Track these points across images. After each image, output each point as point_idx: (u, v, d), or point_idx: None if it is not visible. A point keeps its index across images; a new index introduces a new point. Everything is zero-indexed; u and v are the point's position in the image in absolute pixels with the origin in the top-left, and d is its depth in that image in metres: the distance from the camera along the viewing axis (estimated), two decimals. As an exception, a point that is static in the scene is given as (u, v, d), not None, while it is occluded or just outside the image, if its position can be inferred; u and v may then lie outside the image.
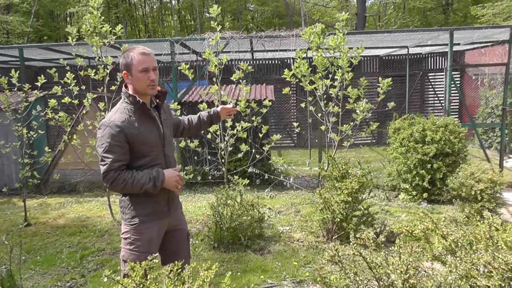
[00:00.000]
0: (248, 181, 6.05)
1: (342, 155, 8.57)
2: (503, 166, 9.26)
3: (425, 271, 3.08)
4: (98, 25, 6.40)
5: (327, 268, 2.63)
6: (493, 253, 3.19)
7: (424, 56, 14.85)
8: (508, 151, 11.91)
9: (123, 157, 2.83)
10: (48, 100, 6.95)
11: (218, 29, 5.94)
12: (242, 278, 4.64)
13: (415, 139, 7.66)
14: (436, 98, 14.94)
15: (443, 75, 14.18)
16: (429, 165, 7.43)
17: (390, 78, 6.34)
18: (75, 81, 6.87)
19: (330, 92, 6.17)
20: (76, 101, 7.01)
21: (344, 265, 2.69)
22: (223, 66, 6.06)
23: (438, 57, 14.81)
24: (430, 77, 14.95)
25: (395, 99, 14.28)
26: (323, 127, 6.28)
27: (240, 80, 6.03)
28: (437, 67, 14.84)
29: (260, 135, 6.49)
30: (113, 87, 7.02)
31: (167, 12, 33.24)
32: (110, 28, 6.64)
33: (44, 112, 7.08)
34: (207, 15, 33.18)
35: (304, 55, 6.38)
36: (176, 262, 2.30)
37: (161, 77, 12.74)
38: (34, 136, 7.36)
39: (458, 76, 14.39)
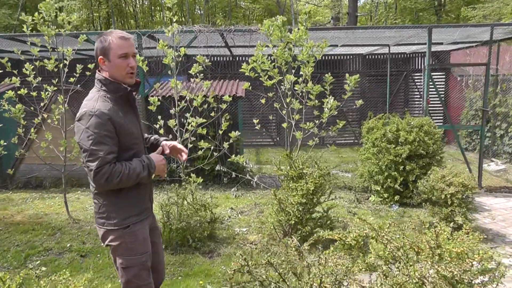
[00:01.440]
0: (202, 179, 5.77)
1: (319, 154, 8.33)
2: (482, 169, 8.98)
3: (358, 283, 2.81)
4: (52, 13, 6.09)
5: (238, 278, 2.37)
6: (432, 264, 2.93)
7: (408, 56, 14.59)
8: (491, 154, 11.65)
9: (114, 149, 2.55)
10: (6, 92, 6.67)
11: (174, 20, 5.67)
12: (180, 283, 4.36)
13: (388, 139, 7.38)
14: (421, 99, 14.69)
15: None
16: (401, 167, 7.15)
17: (358, 75, 6.03)
18: (34, 72, 6.58)
19: (295, 88, 5.89)
20: (34, 93, 6.74)
21: (255, 275, 2.41)
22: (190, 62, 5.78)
23: (423, 57, 14.56)
24: (415, 78, 14.69)
25: (378, 98, 14.04)
26: (284, 125, 5.99)
27: (198, 74, 5.75)
28: (422, 67, 14.59)
29: (220, 132, 6.21)
30: (71, 79, 6.75)
31: (157, 8, 32.94)
32: (67, 17, 6.35)
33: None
34: (198, 12, 32.93)
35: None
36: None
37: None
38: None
39: (443, 77, 14.14)
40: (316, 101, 5.70)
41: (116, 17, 30.52)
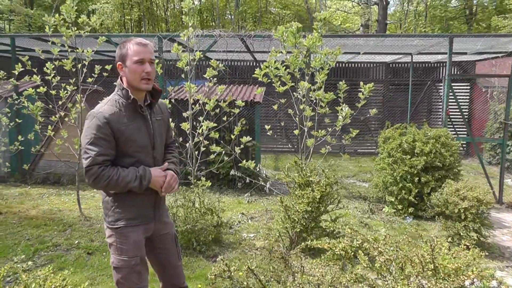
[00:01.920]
0: (215, 183, 5.79)
1: (331, 162, 8.24)
2: (503, 184, 8.72)
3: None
4: (72, 15, 6.24)
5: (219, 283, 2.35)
6: (423, 279, 2.88)
7: (432, 65, 14.32)
8: (516, 169, 11.32)
9: (108, 152, 2.63)
10: (26, 89, 6.87)
11: (190, 24, 5.72)
12: (179, 286, 4.37)
13: (404, 149, 7.25)
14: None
15: (453, 85, 13.66)
16: (416, 178, 7.02)
17: (373, 84, 5.95)
18: (54, 71, 6.75)
19: (310, 95, 5.85)
20: (53, 92, 6.90)
21: (236, 281, 2.40)
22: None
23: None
24: (439, 88, 14.40)
25: (400, 108, 13.86)
26: (296, 131, 5.96)
27: (211, 79, 5.78)
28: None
29: (233, 136, 6.22)
30: (89, 79, 6.89)
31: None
32: (87, 20, 6.49)
33: (19, 101, 6.98)
34: (229, 16, 33.14)
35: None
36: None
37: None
38: (11, 124, 7.30)
39: (468, 88, 13.83)
40: (328, 108, 5.65)
41: (147, 20, 30.99)
